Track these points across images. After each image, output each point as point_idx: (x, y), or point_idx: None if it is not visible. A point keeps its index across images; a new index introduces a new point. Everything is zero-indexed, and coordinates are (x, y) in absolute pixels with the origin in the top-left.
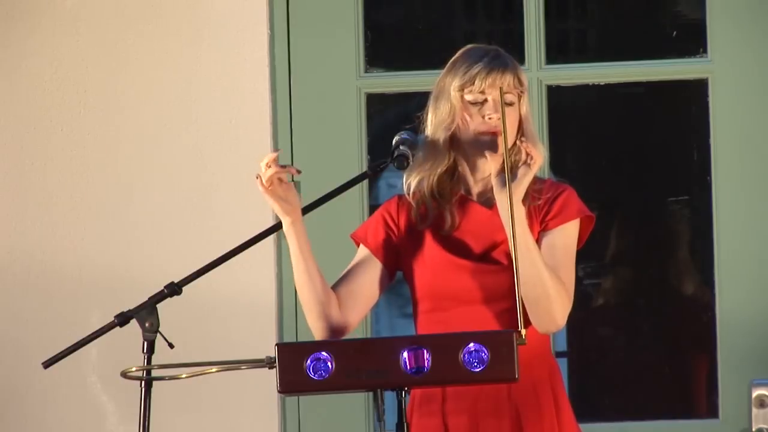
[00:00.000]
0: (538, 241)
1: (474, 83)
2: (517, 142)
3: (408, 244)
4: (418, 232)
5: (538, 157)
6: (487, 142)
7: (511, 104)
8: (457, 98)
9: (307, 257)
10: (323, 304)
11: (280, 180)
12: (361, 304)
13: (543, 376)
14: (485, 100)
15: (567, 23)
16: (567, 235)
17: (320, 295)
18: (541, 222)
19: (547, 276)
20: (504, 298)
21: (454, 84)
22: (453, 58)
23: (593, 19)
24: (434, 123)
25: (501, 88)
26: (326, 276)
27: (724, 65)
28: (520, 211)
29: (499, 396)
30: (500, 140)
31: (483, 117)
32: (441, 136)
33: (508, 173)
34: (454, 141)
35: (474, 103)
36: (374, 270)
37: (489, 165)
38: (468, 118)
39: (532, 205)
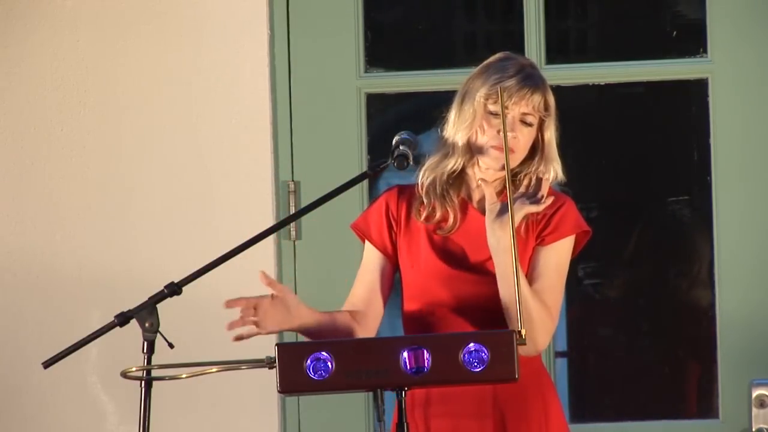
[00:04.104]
0: (532, 255)
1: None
2: (538, 174)
3: (404, 240)
4: (416, 229)
5: (542, 204)
6: (495, 157)
7: (529, 125)
8: (481, 105)
9: (330, 334)
10: (347, 334)
11: (265, 306)
12: (379, 307)
13: (531, 378)
14: (506, 116)
15: (567, 23)
16: (561, 253)
17: (342, 333)
18: (537, 236)
19: (532, 304)
20: (493, 307)
21: (482, 91)
22: (487, 62)
23: (593, 19)
24: (456, 123)
25: (500, 88)
26: (326, 276)
27: (724, 65)
28: (508, 239)
29: (483, 397)
30: (509, 156)
31: (498, 132)
32: (460, 137)
33: (510, 191)
34: (469, 144)
35: (495, 115)
36: (386, 269)
37: (489, 188)
38: (485, 128)
39: (530, 219)
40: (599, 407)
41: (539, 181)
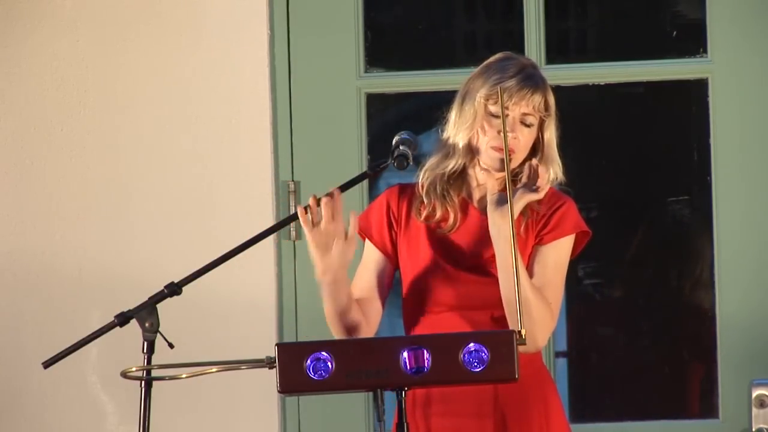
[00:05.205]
0: (531, 254)
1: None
2: (532, 162)
3: (404, 239)
4: (416, 227)
5: (541, 190)
6: (495, 158)
7: (529, 125)
8: (481, 106)
9: (339, 304)
10: (351, 329)
11: (321, 228)
12: (378, 306)
13: (532, 379)
14: (506, 116)
15: (567, 23)
16: (560, 252)
17: (349, 324)
18: (536, 235)
19: (532, 298)
20: (493, 306)
21: (482, 92)
22: (487, 62)
23: (593, 19)
24: (457, 124)
25: (500, 88)
26: None
27: (724, 65)
28: (508, 228)
29: (484, 397)
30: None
31: (498, 132)
32: (461, 137)
33: (510, 191)
34: (469, 145)
35: (496, 116)
36: (385, 267)
37: (492, 179)
38: (485, 129)
39: (530, 218)
40: (599, 407)
41: (533, 169)
